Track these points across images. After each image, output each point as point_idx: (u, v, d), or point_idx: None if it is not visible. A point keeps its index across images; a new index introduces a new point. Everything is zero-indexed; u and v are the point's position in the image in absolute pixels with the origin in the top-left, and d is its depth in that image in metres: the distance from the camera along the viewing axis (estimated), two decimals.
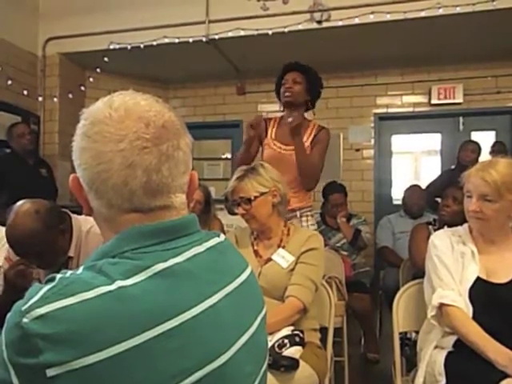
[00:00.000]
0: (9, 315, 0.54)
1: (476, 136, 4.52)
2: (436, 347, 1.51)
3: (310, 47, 3.98)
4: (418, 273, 2.14)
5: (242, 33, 3.85)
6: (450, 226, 1.95)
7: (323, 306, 1.82)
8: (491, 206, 1.46)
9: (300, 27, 3.76)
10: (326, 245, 2.50)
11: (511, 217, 1.50)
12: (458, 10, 3.39)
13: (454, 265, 1.53)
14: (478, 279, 1.48)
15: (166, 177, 0.63)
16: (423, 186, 3.73)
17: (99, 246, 0.65)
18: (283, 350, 1.46)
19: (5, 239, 1.48)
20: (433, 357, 1.48)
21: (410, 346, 1.85)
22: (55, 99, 4.40)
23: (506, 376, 1.28)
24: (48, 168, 3.91)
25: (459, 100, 4.55)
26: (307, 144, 2.32)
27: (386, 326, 3.18)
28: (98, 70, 4.57)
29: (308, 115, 2.50)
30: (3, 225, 1.52)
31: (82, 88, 4.74)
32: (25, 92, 4.21)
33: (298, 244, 1.72)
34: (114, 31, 4.06)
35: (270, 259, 1.72)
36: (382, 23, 3.59)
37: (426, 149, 5.16)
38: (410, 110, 4.79)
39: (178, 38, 3.98)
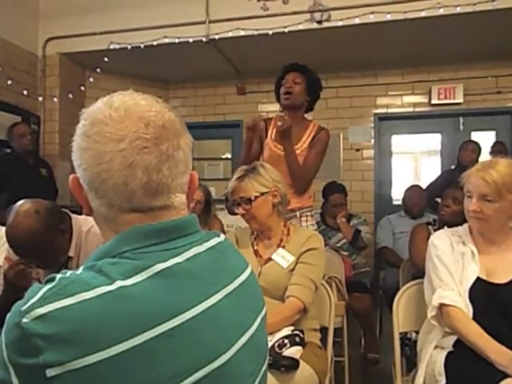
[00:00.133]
0: (9, 315, 0.54)
1: (476, 136, 4.52)
2: (436, 347, 1.51)
3: (310, 47, 3.99)
4: (418, 273, 2.14)
5: (242, 33, 3.85)
6: (450, 226, 1.95)
7: (323, 305, 1.82)
8: (491, 206, 1.46)
9: (300, 27, 3.77)
10: (326, 245, 2.50)
11: (511, 217, 1.50)
12: (458, 9, 3.39)
13: (453, 265, 1.53)
14: (478, 279, 1.48)
15: (166, 177, 0.63)
16: (423, 187, 3.73)
17: (99, 245, 0.65)
18: (283, 349, 1.46)
19: (5, 239, 1.48)
20: (433, 357, 1.48)
21: (410, 346, 1.85)
22: (55, 99, 4.41)
23: (506, 376, 1.28)
24: (48, 168, 3.91)
25: (459, 100, 4.55)
26: (305, 145, 2.31)
27: (386, 326, 3.18)
28: (98, 69, 4.57)
29: (307, 115, 2.50)
30: (3, 225, 1.52)
31: (82, 88, 4.75)
32: (25, 92, 4.21)
33: (298, 244, 1.72)
34: (114, 31, 4.06)
35: (270, 259, 1.72)
36: (382, 23, 3.59)
37: (426, 149, 5.17)
38: (410, 110, 4.79)
39: (178, 37, 3.98)
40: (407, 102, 4.79)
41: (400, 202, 3.76)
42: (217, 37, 3.93)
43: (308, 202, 2.37)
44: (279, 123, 2.19)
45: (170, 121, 0.65)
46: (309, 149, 2.32)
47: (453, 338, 1.47)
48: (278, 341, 1.48)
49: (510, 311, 1.41)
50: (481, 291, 1.46)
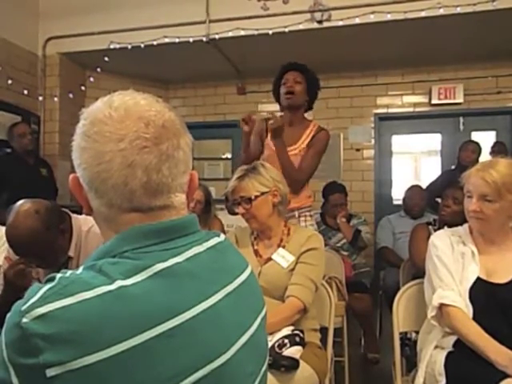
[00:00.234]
0: (8, 315, 0.54)
1: (476, 136, 4.52)
2: (436, 347, 1.51)
3: (310, 47, 3.99)
4: (418, 273, 2.14)
5: (243, 33, 3.85)
6: (450, 226, 1.95)
7: (323, 306, 1.82)
8: (491, 206, 1.46)
9: (300, 27, 3.77)
10: (326, 245, 2.49)
11: (511, 217, 1.50)
12: (459, 10, 3.39)
13: (454, 265, 1.53)
14: (478, 279, 1.48)
15: (166, 176, 0.63)
16: (423, 187, 3.72)
17: (99, 245, 0.65)
18: (283, 349, 1.46)
19: (5, 239, 1.48)
20: (433, 357, 1.48)
21: (410, 346, 1.85)
22: (55, 99, 4.41)
23: (506, 376, 1.28)
24: (48, 168, 3.91)
25: (459, 100, 4.56)
26: (304, 145, 2.30)
27: (386, 326, 3.18)
28: (99, 69, 4.57)
29: (307, 115, 2.49)
30: (3, 225, 1.52)
31: (83, 88, 4.75)
32: (25, 92, 4.21)
33: (298, 244, 1.72)
34: (114, 31, 4.06)
35: (270, 259, 1.72)
36: (383, 23, 3.59)
37: (426, 149, 5.16)
38: (410, 110, 4.79)
39: (178, 37, 3.98)
40: (407, 101, 4.79)
41: (400, 202, 3.76)
42: (217, 37, 3.93)
43: (307, 202, 2.35)
44: (270, 122, 2.15)
45: (170, 120, 0.65)
46: (307, 148, 2.30)
47: (453, 338, 1.47)
48: (278, 341, 1.48)
49: (510, 311, 1.41)
50: (481, 291, 1.46)
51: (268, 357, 0.78)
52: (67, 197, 3.87)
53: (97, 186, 0.62)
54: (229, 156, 5.53)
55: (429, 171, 4.83)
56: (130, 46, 4.09)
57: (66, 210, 1.65)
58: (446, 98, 4.58)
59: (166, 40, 4.01)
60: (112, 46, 4.13)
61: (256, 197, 1.69)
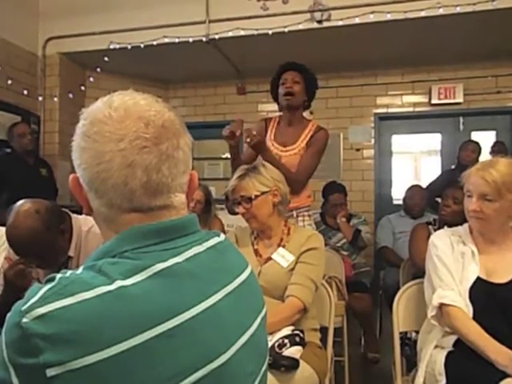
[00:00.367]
0: (9, 315, 0.54)
1: (476, 136, 4.52)
2: (436, 347, 1.51)
3: (310, 47, 3.99)
4: (418, 273, 2.14)
5: (242, 33, 3.85)
6: (450, 226, 1.94)
7: (323, 305, 1.82)
8: (491, 206, 1.46)
9: (300, 27, 3.77)
10: (326, 245, 2.49)
11: (511, 216, 1.50)
12: (458, 9, 3.39)
13: (454, 265, 1.53)
14: (478, 279, 1.48)
15: (165, 176, 0.63)
16: (423, 186, 3.72)
17: (99, 245, 0.65)
18: (283, 349, 1.46)
19: (5, 239, 1.48)
20: (433, 356, 1.48)
21: (410, 346, 1.85)
22: (55, 99, 4.41)
23: (506, 376, 1.28)
24: (48, 168, 3.91)
25: (459, 100, 4.56)
26: (303, 145, 2.29)
27: (386, 325, 3.18)
28: (99, 69, 4.57)
29: (306, 115, 2.49)
30: (3, 225, 1.52)
31: (82, 88, 4.75)
32: (25, 92, 4.22)
33: (298, 243, 1.72)
34: (114, 31, 4.06)
35: (269, 258, 1.72)
36: (383, 23, 3.59)
37: (426, 149, 5.16)
38: (410, 109, 4.79)
39: (178, 37, 3.98)
40: (407, 101, 4.79)
41: (400, 202, 3.76)
42: (217, 37, 3.93)
43: (306, 202, 2.34)
44: (247, 140, 2.05)
45: (169, 120, 0.65)
46: (306, 148, 2.29)
47: (453, 338, 1.47)
48: (277, 341, 1.48)
49: (510, 311, 1.41)
50: (481, 291, 1.46)
51: (268, 357, 0.78)
52: (67, 197, 3.87)
53: (97, 186, 0.62)
54: (229, 156, 5.52)
55: (429, 171, 4.83)
56: (129, 46, 4.09)
57: (66, 210, 1.65)
58: (445, 97, 4.58)
59: (166, 40, 4.01)
60: (112, 46, 4.13)
61: (256, 196, 1.69)
